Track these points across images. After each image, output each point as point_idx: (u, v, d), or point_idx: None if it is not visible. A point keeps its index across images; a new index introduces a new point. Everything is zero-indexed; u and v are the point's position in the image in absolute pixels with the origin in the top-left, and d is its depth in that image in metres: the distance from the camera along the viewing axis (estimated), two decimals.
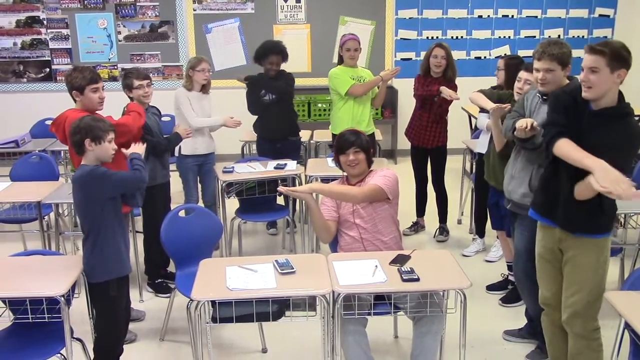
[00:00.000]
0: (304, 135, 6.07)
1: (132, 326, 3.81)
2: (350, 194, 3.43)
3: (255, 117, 5.37)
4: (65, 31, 7.87)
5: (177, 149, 4.90)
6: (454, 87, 5.06)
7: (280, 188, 3.38)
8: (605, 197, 2.71)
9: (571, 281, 2.94)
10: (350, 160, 3.50)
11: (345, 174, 3.64)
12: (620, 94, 2.77)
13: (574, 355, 3.01)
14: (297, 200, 5.33)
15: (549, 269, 3.08)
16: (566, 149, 2.75)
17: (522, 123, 3.05)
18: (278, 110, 5.24)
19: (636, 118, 2.84)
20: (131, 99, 4.25)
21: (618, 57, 2.66)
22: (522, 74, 3.70)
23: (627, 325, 2.64)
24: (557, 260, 3.02)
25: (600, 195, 2.65)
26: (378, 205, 3.47)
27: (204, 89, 4.95)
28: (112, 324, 3.22)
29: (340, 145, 3.55)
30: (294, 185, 4.83)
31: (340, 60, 5.26)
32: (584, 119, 2.78)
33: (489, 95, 4.09)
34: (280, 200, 5.32)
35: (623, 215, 3.99)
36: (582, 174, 2.66)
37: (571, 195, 2.78)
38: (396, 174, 3.55)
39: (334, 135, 5.35)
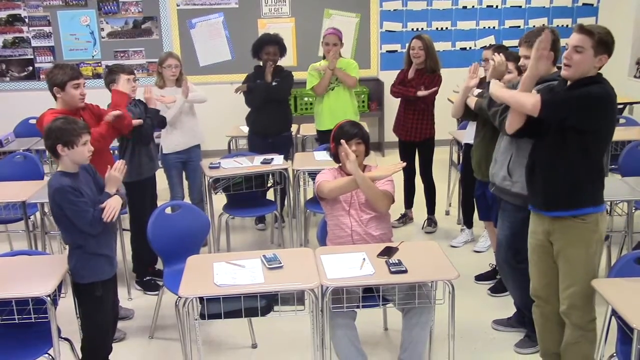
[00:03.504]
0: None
1: (121, 324, 3.80)
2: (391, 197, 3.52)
3: (247, 110, 5.36)
4: (47, 29, 7.79)
5: (159, 147, 4.84)
6: (437, 78, 5.08)
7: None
8: (581, 167, 2.78)
9: (565, 274, 2.93)
10: (352, 150, 3.50)
11: (339, 165, 3.63)
12: (599, 75, 2.75)
13: (570, 345, 3.01)
14: (286, 195, 5.31)
15: (540, 261, 3.06)
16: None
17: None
18: (273, 106, 5.24)
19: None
20: None
21: (604, 42, 2.68)
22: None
23: (614, 313, 2.65)
24: (548, 253, 3.00)
25: (572, 167, 2.76)
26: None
27: (179, 83, 4.85)
28: (99, 323, 3.19)
29: (342, 135, 3.53)
30: (282, 179, 4.80)
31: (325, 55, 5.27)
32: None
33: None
34: (268, 195, 5.31)
35: (609, 203, 4.02)
36: (550, 151, 2.81)
37: (547, 172, 2.83)
38: (393, 180, 3.56)
39: (318, 131, 5.37)
